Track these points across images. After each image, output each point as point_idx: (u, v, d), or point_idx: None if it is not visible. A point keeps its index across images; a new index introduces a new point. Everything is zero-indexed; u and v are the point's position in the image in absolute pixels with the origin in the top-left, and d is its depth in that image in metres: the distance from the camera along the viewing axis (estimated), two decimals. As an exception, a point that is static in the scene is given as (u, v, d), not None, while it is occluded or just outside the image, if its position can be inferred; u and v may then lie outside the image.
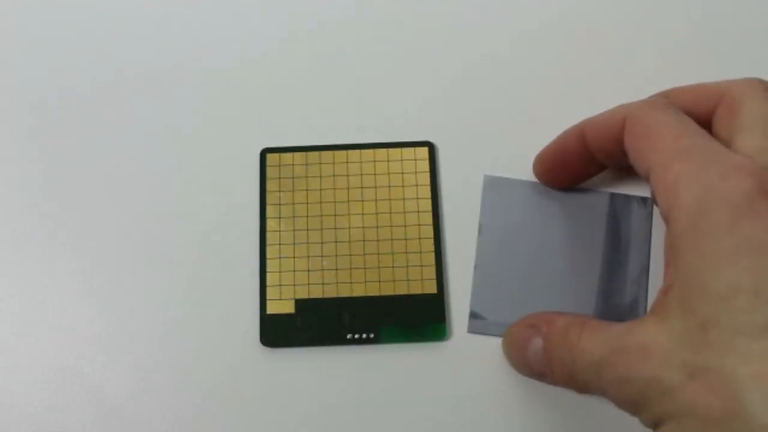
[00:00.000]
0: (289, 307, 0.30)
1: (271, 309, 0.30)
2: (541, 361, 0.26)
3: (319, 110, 0.33)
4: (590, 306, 0.30)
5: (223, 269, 0.31)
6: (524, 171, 0.31)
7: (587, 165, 0.29)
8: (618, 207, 0.31)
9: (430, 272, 0.30)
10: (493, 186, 0.32)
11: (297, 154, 0.32)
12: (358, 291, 0.30)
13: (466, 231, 0.31)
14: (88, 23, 0.35)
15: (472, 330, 0.30)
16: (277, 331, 0.30)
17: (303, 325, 0.30)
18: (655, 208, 0.30)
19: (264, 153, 0.32)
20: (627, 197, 0.31)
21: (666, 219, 0.23)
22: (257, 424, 0.29)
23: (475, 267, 0.30)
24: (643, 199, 0.31)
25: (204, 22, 0.35)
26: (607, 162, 0.28)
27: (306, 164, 0.32)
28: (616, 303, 0.30)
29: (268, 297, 0.30)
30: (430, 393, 0.29)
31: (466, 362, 0.29)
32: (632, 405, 0.23)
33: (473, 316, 0.30)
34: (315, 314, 0.30)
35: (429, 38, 0.34)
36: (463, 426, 0.29)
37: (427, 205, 0.31)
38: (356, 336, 0.30)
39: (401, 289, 0.30)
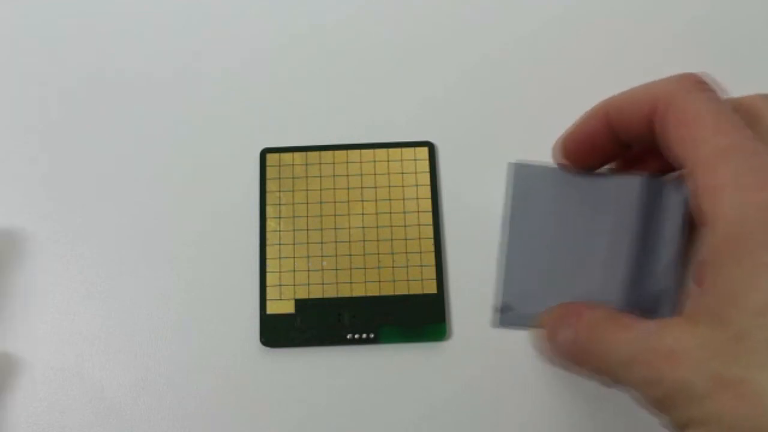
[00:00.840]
0: (289, 307, 0.30)
1: (271, 309, 0.30)
2: (570, 352, 0.26)
3: (319, 110, 0.33)
4: (614, 295, 0.28)
5: (223, 269, 0.31)
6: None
7: (614, 147, 0.28)
8: (651, 191, 0.29)
9: (430, 272, 0.30)
10: (521, 172, 0.30)
11: (297, 154, 0.32)
12: (358, 291, 0.30)
13: (466, 231, 0.31)
14: (89, 24, 0.35)
15: (503, 323, 0.29)
16: (277, 331, 0.30)
17: (303, 325, 0.30)
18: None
19: (264, 153, 0.32)
20: (661, 182, 0.29)
21: (703, 222, 0.23)
22: (257, 424, 0.29)
23: (505, 258, 0.30)
24: (678, 184, 0.29)
25: (205, 23, 0.35)
26: (634, 143, 0.27)
27: (306, 164, 0.32)
28: (642, 293, 0.29)
29: (268, 297, 0.30)
30: (429, 392, 0.29)
31: (466, 362, 0.29)
32: (659, 405, 0.23)
33: (505, 309, 0.29)
34: (315, 314, 0.30)
35: (429, 39, 0.34)
36: (462, 425, 0.29)
37: (427, 205, 0.31)
38: (356, 336, 0.30)
39: (401, 289, 0.30)
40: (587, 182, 0.30)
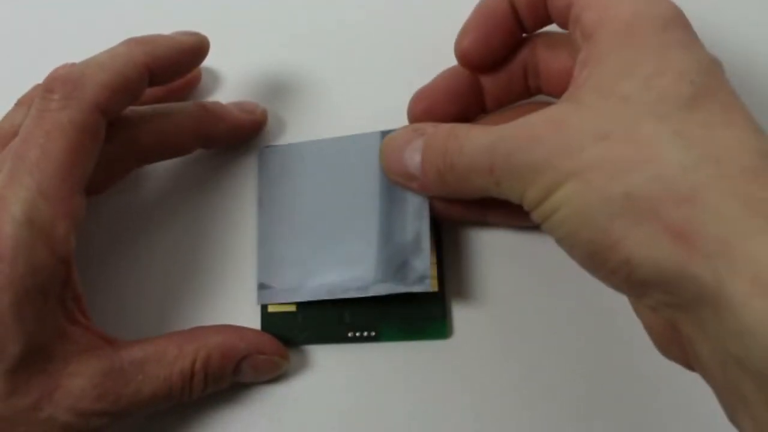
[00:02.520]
0: (290, 306, 0.30)
1: (273, 307, 0.30)
2: (416, 161, 0.26)
3: (319, 108, 0.33)
4: (372, 248, 0.29)
5: (223, 267, 0.31)
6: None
7: (511, 31, 0.28)
8: None
9: (431, 270, 0.30)
10: (268, 155, 0.31)
11: (297, 152, 0.32)
12: (359, 289, 0.30)
13: (467, 228, 0.31)
14: (88, 22, 0.35)
15: (261, 301, 0.30)
16: (279, 330, 0.30)
17: (304, 323, 0.30)
18: None
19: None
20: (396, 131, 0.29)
21: (590, 33, 0.24)
22: (257, 423, 0.29)
23: (259, 241, 0.30)
24: None
25: (204, 20, 0.35)
26: (528, 22, 0.28)
27: (306, 162, 0.32)
28: (398, 240, 0.29)
29: (269, 295, 0.30)
30: (430, 391, 0.29)
31: (467, 360, 0.29)
32: (527, 174, 0.22)
33: (261, 287, 0.30)
34: (316, 312, 0.30)
35: (430, 37, 0.34)
36: (463, 424, 0.29)
37: (428, 202, 0.31)
38: (357, 334, 0.30)
39: (402, 287, 0.30)
40: (331, 149, 0.30)
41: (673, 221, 0.20)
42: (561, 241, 0.23)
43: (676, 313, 0.21)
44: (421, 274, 0.28)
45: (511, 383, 0.29)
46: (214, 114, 0.31)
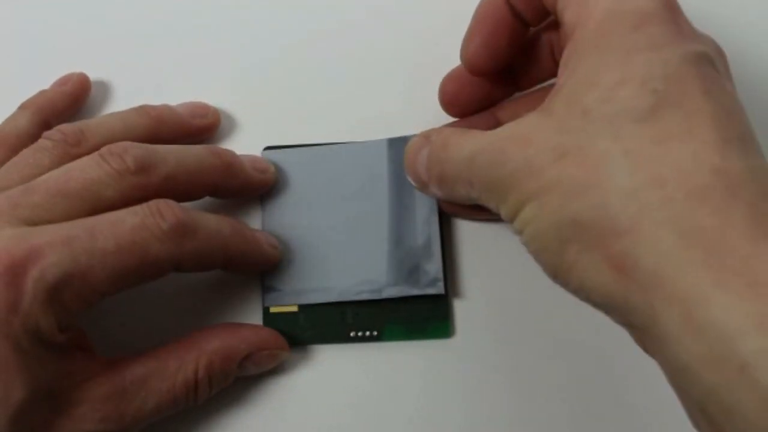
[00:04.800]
0: (292, 306, 0.30)
1: (275, 308, 0.30)
2: (424, 167, 0.26)
3: (320, 109, 0.33)
4: (383, 254, 0.29)
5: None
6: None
7: (515, 29, 0.28)
8: (398, 150, 0.30)
9: (433, 270, 0.30)
10: (270, 157, 0.31)
11: (299, 153, 0.32)
12: (361, 289, 0.30)
13: (468, 227, 0.31)
14: (89, 21, 0.35)
15: (267, 303, 0.30)
16: (281, 330, 0.30)
17: (306, 323, 0.30)
18: None
19: (266, 151, 0.32)
20: (405, 139, 0.30)
21: (571, 33, 0.23)
22: (259, 423, 0.29)
23: None
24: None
25: (205, 20, 0.35)
26: (529, 18, 0.28)
27: (308, 162, 0.32)
28: (409, 246, 0.29)
29: (271, 295, 0.30)
30: (432, 390, 0.29)
31: (469, 360, 0.29)
32: (499, 191, 0.23)
33: (267, 289, 0.30)
34: (318, 313, 0.30)
35: (430, 37, 0.34)
36: (465, 423, 0.29)
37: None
38: (359, 334, 0.30)
39: (404, 287, 0.30)
40: (337, 154, 0.31)
41: (613, 253, 0.20)
42: (534, 258, 0.23)
43: (635, 333, 0.21)
44: (434, 276, 0.29)
45: (514, 382, 0.29)
46: (229, 169, 0.29)
